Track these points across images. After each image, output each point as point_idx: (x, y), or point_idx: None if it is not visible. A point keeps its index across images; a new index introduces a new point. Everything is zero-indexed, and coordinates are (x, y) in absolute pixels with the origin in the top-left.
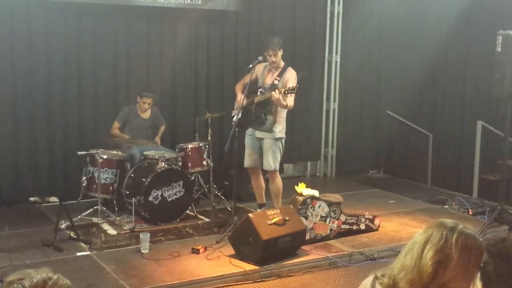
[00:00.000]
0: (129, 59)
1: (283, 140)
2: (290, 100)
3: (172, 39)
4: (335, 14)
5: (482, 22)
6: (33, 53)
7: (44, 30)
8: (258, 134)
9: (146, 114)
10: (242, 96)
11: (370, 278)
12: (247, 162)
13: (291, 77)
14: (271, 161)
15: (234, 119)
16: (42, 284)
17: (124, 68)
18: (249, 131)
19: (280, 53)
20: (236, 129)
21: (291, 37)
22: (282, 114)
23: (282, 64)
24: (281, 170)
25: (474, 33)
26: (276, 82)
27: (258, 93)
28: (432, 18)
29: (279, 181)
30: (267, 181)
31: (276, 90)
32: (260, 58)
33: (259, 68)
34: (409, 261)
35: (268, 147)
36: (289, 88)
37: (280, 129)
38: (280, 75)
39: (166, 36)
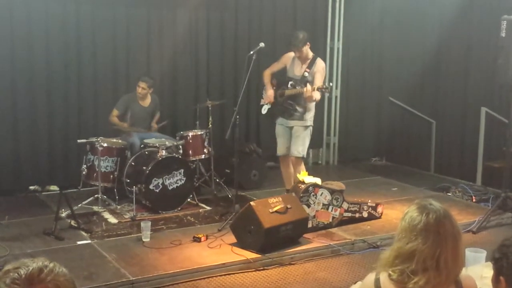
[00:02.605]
0: (129, 46)
1: (311, 128)
2: (317, 94)
3: (172, 25)
4: (337, 0)
5: (485, 7)
6: (32, 41)
7: (43, 18)
8: (290, 123)
9: (146, 102)
10: (271, 90)
11: (371, 276)
12: (280, 151)
13: (319, 69)
14: (300, 148)
15: (263, 110)
16: (38, 272)
17: (124, 55)
18: (280, 120)
19: (305, 48)
20: (237, 117)
21: (292, 24)
22: (312, 103)
23: (310, 55)
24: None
25: (478, 18)
26: (306, 74)
27: (289, 85)
28: (435, 4)
29: (302, 169)
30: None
31: (309, 87)
32: (261, 44)
33: (287, 59)
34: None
35: (298, 134)
36: (323, 86)
37: (310, 117)
38: (310, 66)
39: (166, 23)
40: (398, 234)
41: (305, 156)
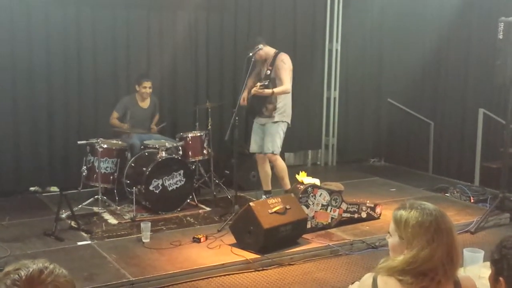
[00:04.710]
0: (129, 48)
1: (283, 125)
2: (278, 89)
3: (172, 28)
4: (336, 1)
5: (484, 9)
6: (33, 43)
7: (43, 20)
8: (261, 120)
9: (146, 104)
10: (246, 93)
11: (369, 279)
12: (252, 147)
13: (279, 63)
14: (269, 144)
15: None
16: (38, 273)
17: (123, 57)
18: (256, 119)
19: (258, 52)
20: (237, 118)
21: (292, 25)
22: (283, 101)
23: (272, 53)
24: (282, 159)
25: (476, 20)
26: (268, 72)
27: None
28: (434, 5)
29: (280, 163)
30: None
31: (256, 86)
32: (260, 46)
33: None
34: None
35: (268, 131)
36: (261, 84)
37: (279, 113)
38: (272, 64)
39: (166, 25)
40: (409, 243)
41: (276, 152)
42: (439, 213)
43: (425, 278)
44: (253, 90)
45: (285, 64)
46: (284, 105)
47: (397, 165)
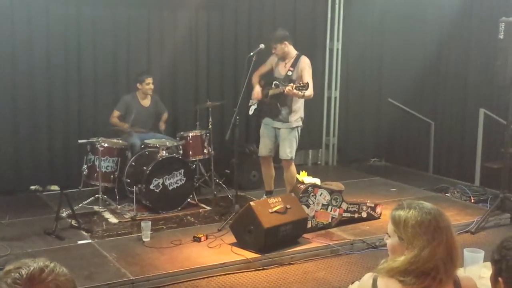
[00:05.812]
0: (130, 47)
1: (299, 129)
2: (308, 91)
3: (173, 27)
4: (337, 1)
5: (484, 9)
6: (33, 42)
7: (44, 19)
8: (275, 124)
9: (147, 102)
10: (258, 87)
11: (369, 280)
12: (262, 151)
13: (305, 67)
14: (288, 150)
15: (250, 110)
16: (39, 272)
17: (124, 56)
18: (266, 120)
19: (280, 45)
20: (237, 117)
21: (292, 24)
22: (298, 103)
23: (294, 53)
24: None
25: (477, 20)
26: (289, 73)
27: (273, 85)
28: (435, 5)
29: (294, 169)
30: (277, 169)
31: (290, 86)
32: (261, 45)
33: (273, 59)
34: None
35: (284, 136)
36: (300, 85)
37: (295, 118)
38: (293, 65)
39: (167, 24)
40: (410, 243)
41: (293, 158)
42: (437, 212)
43: (427, 277)
44: (287, 90)
45: (310, 68)
46: (299, 108)
47: (398, 165)
